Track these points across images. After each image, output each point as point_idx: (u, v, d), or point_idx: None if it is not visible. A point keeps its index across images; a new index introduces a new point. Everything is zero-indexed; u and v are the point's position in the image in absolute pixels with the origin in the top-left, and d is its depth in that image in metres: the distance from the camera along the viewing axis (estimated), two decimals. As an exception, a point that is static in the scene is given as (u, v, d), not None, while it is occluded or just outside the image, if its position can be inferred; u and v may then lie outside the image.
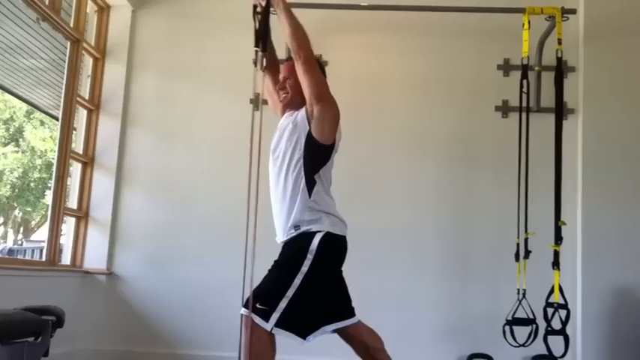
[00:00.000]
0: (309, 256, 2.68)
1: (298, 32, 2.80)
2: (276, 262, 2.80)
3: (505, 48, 4.65)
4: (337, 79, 4.69)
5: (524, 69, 4.13)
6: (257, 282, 2.70)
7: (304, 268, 2.66)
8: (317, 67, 2.84)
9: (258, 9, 2.98)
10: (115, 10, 4.97)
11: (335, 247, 2.78)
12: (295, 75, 2.88)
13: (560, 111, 4.13)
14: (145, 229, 4.74)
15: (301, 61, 2.77)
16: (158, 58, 4.94)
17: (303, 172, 2.77)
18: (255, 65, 2.88)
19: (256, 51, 2.89)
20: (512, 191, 4.14)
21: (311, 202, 2.75)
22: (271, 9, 2.93)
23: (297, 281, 2.64)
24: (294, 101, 2.93)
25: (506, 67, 4.68)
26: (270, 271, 2.78)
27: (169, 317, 4.58)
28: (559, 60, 4.12)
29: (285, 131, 2.87)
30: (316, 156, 2.81)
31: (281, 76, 2.99)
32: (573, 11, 4.23)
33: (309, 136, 2.79)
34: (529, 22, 4.08)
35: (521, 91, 4.14)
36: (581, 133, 4.52)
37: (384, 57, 4.80)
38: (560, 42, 4.09)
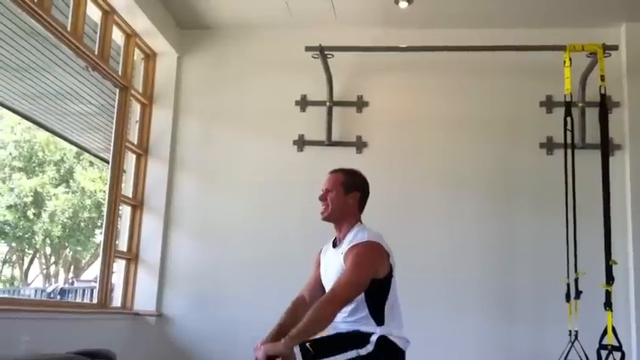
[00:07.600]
0: (369, 347, 2.61)
1: (316, 325, 2.57)
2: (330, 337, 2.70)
3: (547, 85, 4.62)
4: (377, 118, 4.79)
5: (568, 106, 4.09)
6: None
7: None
8: (346, 293, 2.62)
9: None
10: (161, 57, 5.13)
11: (393, 351, 2.70)
12: (337, 188, 2.85)
13: (606, 147, 4.07)
14: (193, 271, 4.81)
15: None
16: (203, 103, 5.06)
17: (368, 313, 2.68)
18: None
19: None
20: (556, 229, 4.08)
21: (382, 330, 2.68)
22: None
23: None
24: (333, 215, 2.85)
25: (548, 104, 4.65)
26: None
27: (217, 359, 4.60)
28: (602, 96, 4.07)
29: (338, 269, 2.75)
30: (378, 292, 2.71)
31: (323, 188, 2.89)
32: (615, 47, 4.19)
33: None
34: (570, 59, 4.05)
35: (565, 128, 4.09)
36: (629, 169, 4.45)
37: (423, 97, 4.83)
38: (602, 78, 4.05)
